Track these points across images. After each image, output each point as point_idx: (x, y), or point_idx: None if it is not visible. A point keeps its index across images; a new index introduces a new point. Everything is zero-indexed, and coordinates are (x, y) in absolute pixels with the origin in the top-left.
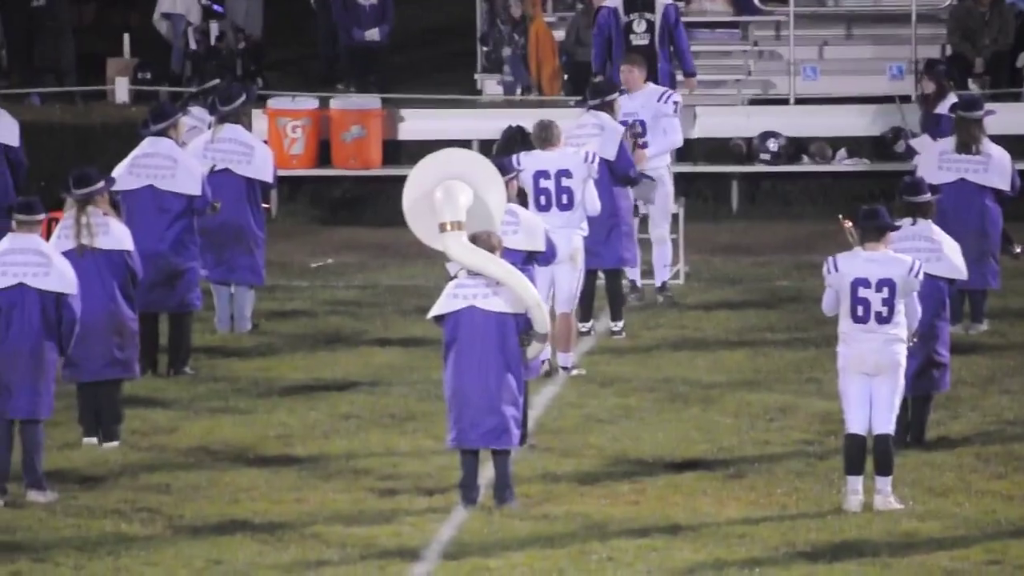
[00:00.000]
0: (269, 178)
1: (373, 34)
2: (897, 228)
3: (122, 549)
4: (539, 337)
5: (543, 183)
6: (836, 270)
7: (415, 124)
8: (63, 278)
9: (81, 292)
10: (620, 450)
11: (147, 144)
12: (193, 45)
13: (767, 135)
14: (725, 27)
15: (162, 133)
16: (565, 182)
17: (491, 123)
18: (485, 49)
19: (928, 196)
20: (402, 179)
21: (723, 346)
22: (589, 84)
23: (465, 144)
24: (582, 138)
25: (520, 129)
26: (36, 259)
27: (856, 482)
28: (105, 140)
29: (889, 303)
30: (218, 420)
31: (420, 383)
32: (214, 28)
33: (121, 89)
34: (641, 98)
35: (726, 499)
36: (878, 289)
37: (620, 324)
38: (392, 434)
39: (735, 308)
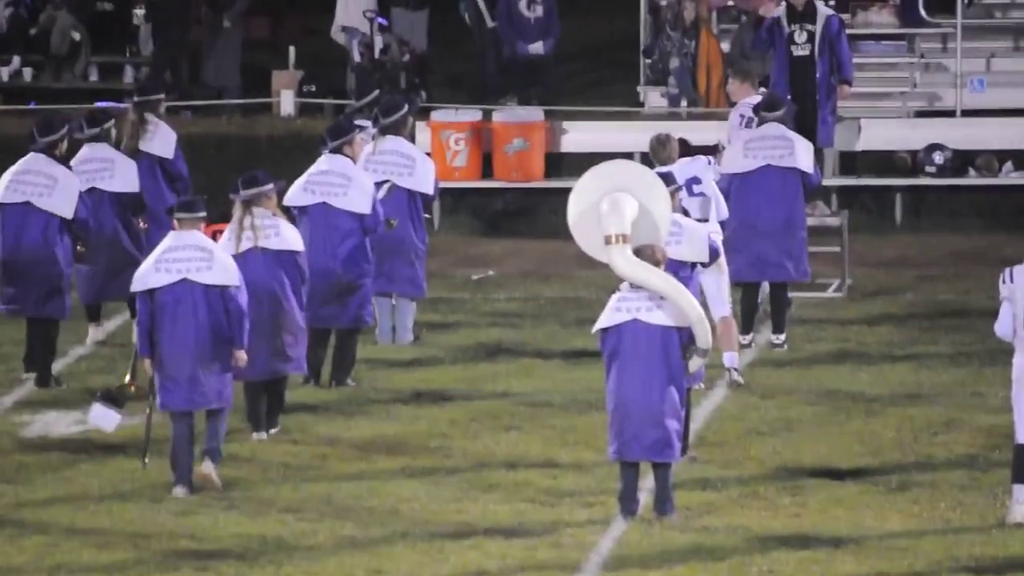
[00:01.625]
0: (430, 190)
1: (538, 47)
2: None
3: (284, 558)
4: (700, 352)
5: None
6: (1011, 281)
7: (577, 136)
8: (226, 271)
9: (248, 292)
10: (781, 462)
11: (323, 161)
12: (358, 58)
13: (933, 148)
14: (891, 39)
15: (338, 150)
16: (697, 189)
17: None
18: (648, 61)
19: None
20: (564, 191)
21: (886, 359)
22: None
23: (627, 157)
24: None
25: (683, 141)
26: (198, 254)
27: (1022, 491)
28: (270, 152)
29: None
30: (379, 431)
31: (582, 395)
32: (379, 41)
33: (286, 102)
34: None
35: (889, 512)
36: None
37: (782, 337)
38: (553, 445)
39: (898, 322)
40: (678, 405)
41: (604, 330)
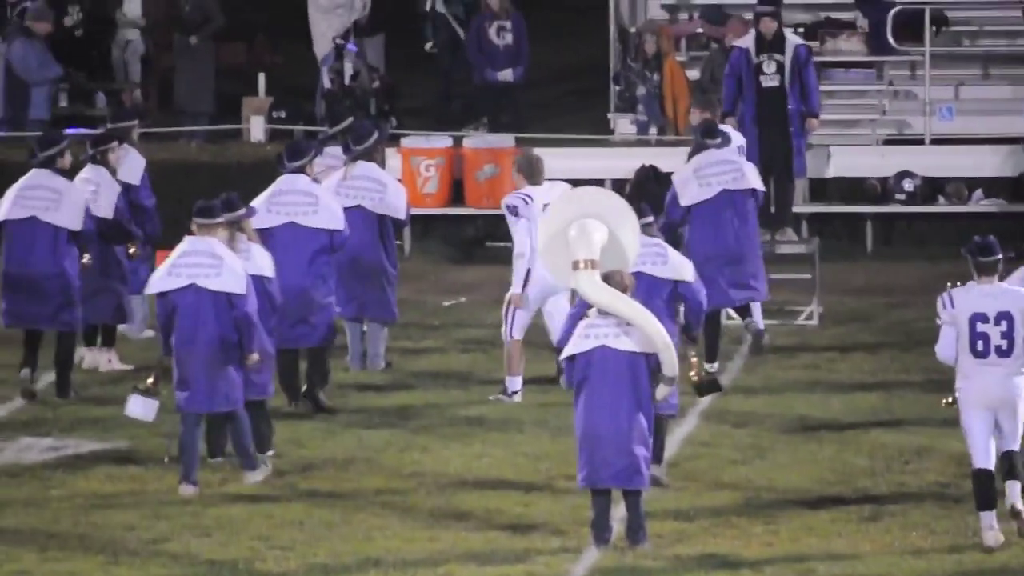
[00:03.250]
0: (402, 215)
1: (507, 75)
2: (1012, 258)
3: None
4: (667, 380)
5: None
6: (952, 306)
7: (548, 163)
8: (235, 278)
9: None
10: (753, 490)
11: (284, 181)
12: (328, 84)
13: (902, 175)
14: (860, 67)
15: (299, 170)
16: None
17: (624, 162)
18: (618, 88)
19: None
20: None
21: (857, 387)
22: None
23: (598, 183)
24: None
25: (653, 168)
26: (209, 260)
27: (990, 517)
28: (240, 178)
29: (1008, 336)
30: (352, 458)
31: (553, 421)
32: (348, 67)
33: (256, 128)
34: None
35: (861, 540)
36: (996, 322)
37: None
38: (525, 473)
39: (870, 349)
40: (646, 432)
41: (571, 357)
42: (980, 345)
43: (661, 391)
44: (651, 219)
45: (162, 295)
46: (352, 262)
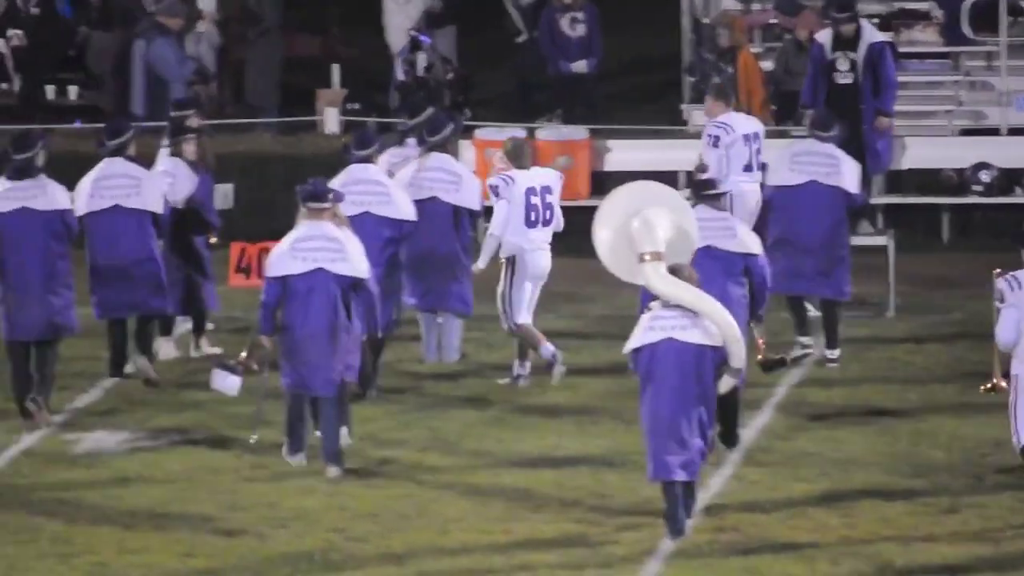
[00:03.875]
0: (476, 207)
1: (580, 66)
2: None
3: None
4: (732, 372)
5: (533, 199)
6: (1021, 287)
7: (622, 155)
8: (359, 262)
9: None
10: (830, 482)
11: (354, 171)
12: (401, 76)
13: (979, 166)
14: (935, 57)
15: (367, 159)
16: (548, 199)
17: (697, 154)
18: (692, 79)
19: None
20: None
21: (934, 379)
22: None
23: (671, 175)
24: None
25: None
26: (331, 245)
27: None
28: (315, 170)
29: None
30: (426, 448)
31: (629, 413)
32: (421, 59)
33: (331, 120)
34: None
35: (938, 533)
36: None
37: (836, 352)
38: (600, 465)
39: (946, 341)
40: (707, 424)
41: (637, 350)
42: None
43: (726, 383)
44: (720, 191)
45: (280, 278)
46: (427, 253)
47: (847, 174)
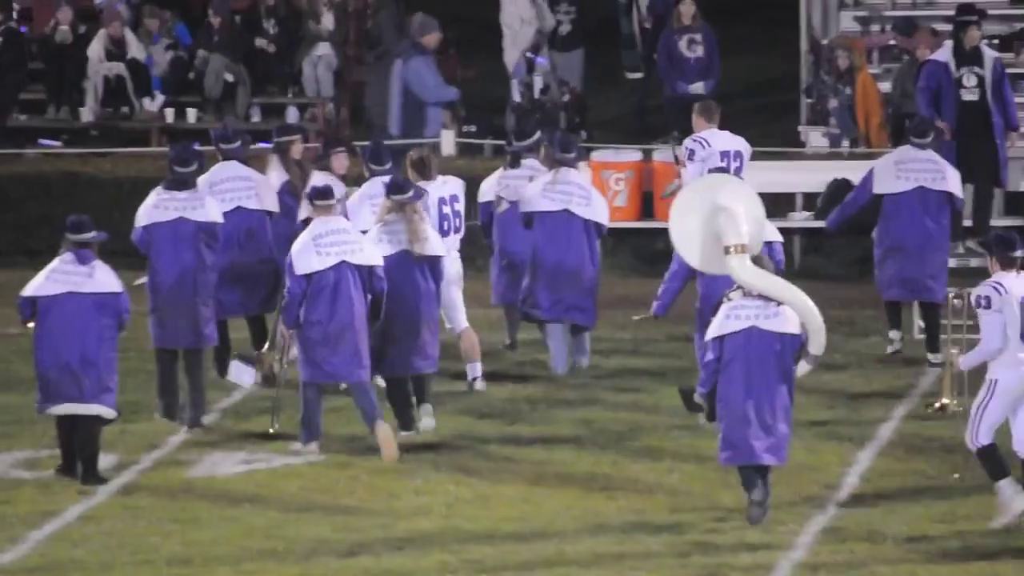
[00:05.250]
0: (605, 221)
1: (698, 87)
2: None
3: None
4: (810, 359)
5: (445, 209)
6: (1006, 291)
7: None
8: (373, 252)
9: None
10: (948, 509)
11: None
12: (518, 98)
13: None
14: None
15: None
16: (456, 207)
17: (815, 176)
18: (809, 101)
19: None
20: None
21: None
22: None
23: (788, 196)
24: None
25: (846, 181)
26: (348, 237)
27: (1010, 484)
28: None
29: None
30: (541, 473)
31: None
32: (538, 81)
33: (447, 142)
34: None
35: None
36: None
37: (939, 356)
38: (715, 487)
39: None
40: (789, 410)
41: (720, 338)
42: None
43: (802, 368)
44: None
45: (306, 275)
46: (560, 264)
47: (952, 179)
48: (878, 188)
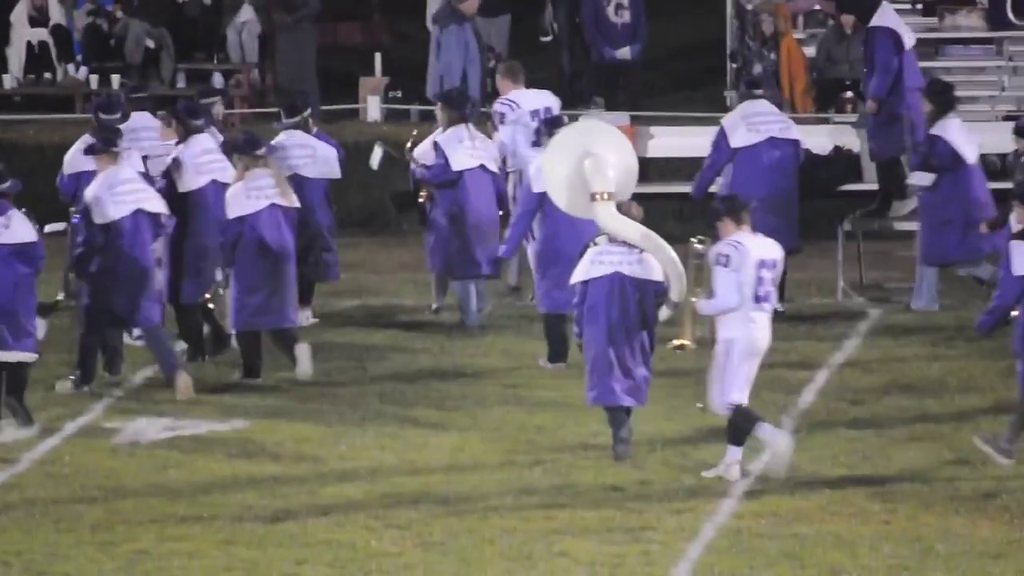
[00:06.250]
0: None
1: (625, 53)
2: None
3: (372, 565)
4: (671, 305)
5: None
6: (745, 252)
7: (664, 141)
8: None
9: None
10: (871, 469)
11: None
12: None
13: (1022, 151)
14: (979, 43)
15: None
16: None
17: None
18: (735, 66)
19: None
20: (652, 196)
21: (977, 366)
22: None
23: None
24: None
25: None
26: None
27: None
28: (357, 156)
29: None
30: (467, 437)
31: (663, 400)
32: None
33: (373, 108)
34: None
35: (979, 519)
36: None
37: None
38: (642, 451)
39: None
40: (650, 353)
41: (584, 282)
42: None
43: (664, 313)
44: None
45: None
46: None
47: (796, 129)
48: (734, 143)
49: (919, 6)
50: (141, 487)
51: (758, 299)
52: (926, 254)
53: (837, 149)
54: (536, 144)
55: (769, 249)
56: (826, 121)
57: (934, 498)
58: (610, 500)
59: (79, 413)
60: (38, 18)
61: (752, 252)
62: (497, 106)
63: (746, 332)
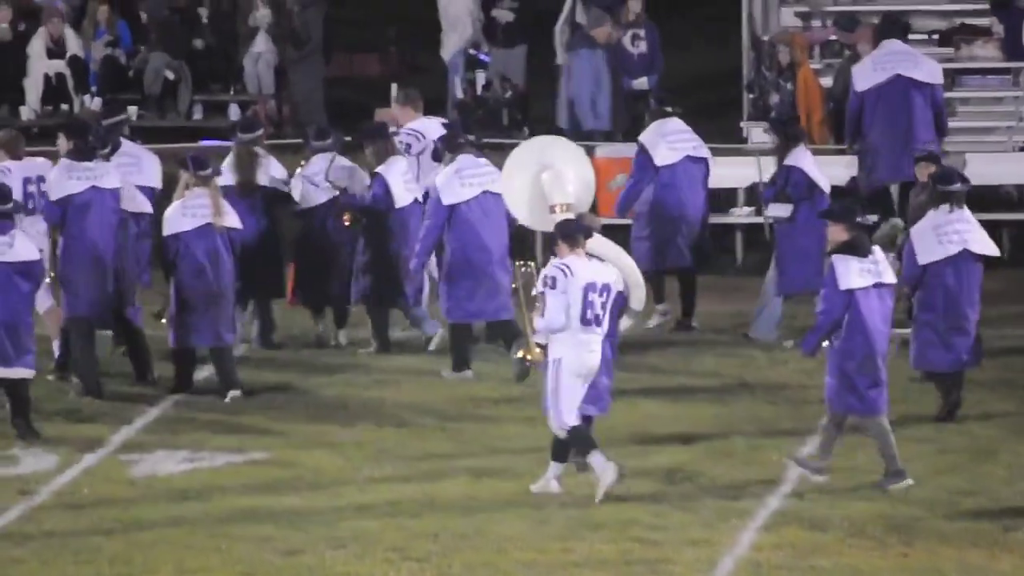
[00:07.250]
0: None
1: (642, 83)
2: None
3: None
4: (632, 314)
5: None
6: (573, 275)
7: None
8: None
9: None
10: (888, 501)
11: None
12: (459, 94)
13: None
14: (995, 73)
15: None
16: None
17: (757, 172)
18: (751, 96)
19: None
20: None
21: (993, 397)
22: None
23: (730, 192)
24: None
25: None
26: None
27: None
28: None
29: None
30: (484, 468)
31: (685, 429)
32: (480, 77)
33: None
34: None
35: (998, 553)
36: None
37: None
38: (659, 483)
39: (1003, 356)
40: (611, 363)
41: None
42: None
43: (624, 323)
44: None
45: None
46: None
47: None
48: (658, 161)
49: (935, 36)
50: (159, 519)
51: (587, 321)
52: (780, 283)
53: (853, 180)
54: (436, 159)
55: (599, 273)
56: (843, 152)
57: (952, 531)
58: (628, 533)
59: (98, 446)
60: (55, 50)
61: (580, 276)
62: (403, 136)
63: (575, 353)
